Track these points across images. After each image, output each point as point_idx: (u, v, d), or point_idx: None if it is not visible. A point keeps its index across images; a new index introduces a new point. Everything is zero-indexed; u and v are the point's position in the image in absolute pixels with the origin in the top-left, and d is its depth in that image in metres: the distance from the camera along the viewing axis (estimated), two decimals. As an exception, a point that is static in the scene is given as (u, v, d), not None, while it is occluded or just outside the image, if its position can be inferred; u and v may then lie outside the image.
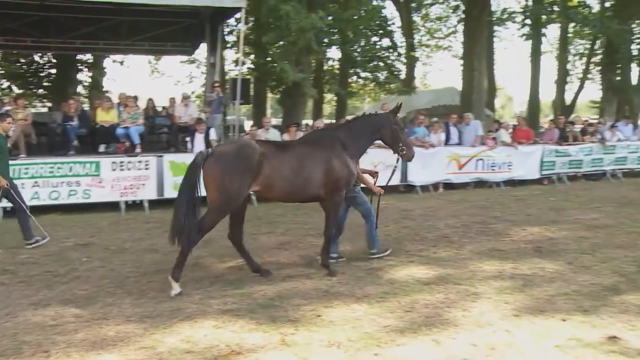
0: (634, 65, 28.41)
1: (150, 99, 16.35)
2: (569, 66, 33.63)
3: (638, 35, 26.61)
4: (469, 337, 4.94)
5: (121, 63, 28.66)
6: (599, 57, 30.51)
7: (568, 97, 32.38)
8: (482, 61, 20.80)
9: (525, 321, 5.31)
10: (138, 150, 12.62)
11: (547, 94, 51.64)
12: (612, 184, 16.02)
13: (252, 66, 23.96)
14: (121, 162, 11.69)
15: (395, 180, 12.22)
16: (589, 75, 33.48)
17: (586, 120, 19.55)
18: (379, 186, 7.71)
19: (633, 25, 24.98)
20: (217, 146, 6.99)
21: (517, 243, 8.53)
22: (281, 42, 18.54)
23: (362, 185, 7.56)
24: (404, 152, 7.27)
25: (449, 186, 14.60)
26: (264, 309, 5.64)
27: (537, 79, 30.08)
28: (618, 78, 27.30)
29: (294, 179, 6.57)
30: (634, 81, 28.87)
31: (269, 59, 21.50)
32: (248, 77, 21.19)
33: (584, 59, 33.76)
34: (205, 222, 6.31)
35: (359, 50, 22.71)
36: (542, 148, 15.63)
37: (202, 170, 6.28)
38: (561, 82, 32.01)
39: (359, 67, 24.56)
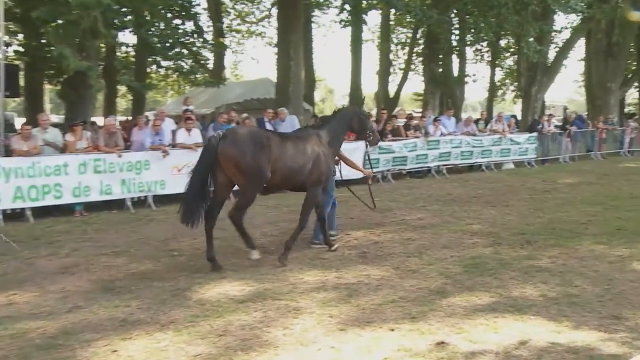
0: (455, 57, 31.21)
1: None
2: (391, 56, 36.04)
3: (457, 26, 29.12)
4: (292, 359, 5.07)
5: None
6: (422, 47, 32.93)
7: (392, 90, 34.65)
8: (299, 50, 21.41)
9: (352, 335, 5.57)
10: None
11: (371, 86, 54.94)
12: (437, 181, 17.38)
13: (20, 49, 22.34)
14: None
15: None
16: (412, 67, 36.08)
17: (410, 114, 20.86)
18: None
19: (452, 16, 27.27)
20: (227, 130, 8.53)
21: (341, 250, 8.92)
22: (59, 21, 17.50)
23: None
24: (372, 137, 9.37)
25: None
26: (43, 352, 5.27)
27: (359, 70, 31.73)
28: (440, 70, 29.69)
29: (292, 166, 8.09)
30: (456, 73, 31.74)
31: (44, 41, 20.19)
32: (16, 63, 19.73)
33: (407, 49, 36.30)
34: (243, 201, 8.12)
35: (158, 35, 22.18)
36: (365, 144, 16.26)
37: (217, 153, 7.63)
38: (384, 74, 34.11)
39: (159, 55, 24.02)
